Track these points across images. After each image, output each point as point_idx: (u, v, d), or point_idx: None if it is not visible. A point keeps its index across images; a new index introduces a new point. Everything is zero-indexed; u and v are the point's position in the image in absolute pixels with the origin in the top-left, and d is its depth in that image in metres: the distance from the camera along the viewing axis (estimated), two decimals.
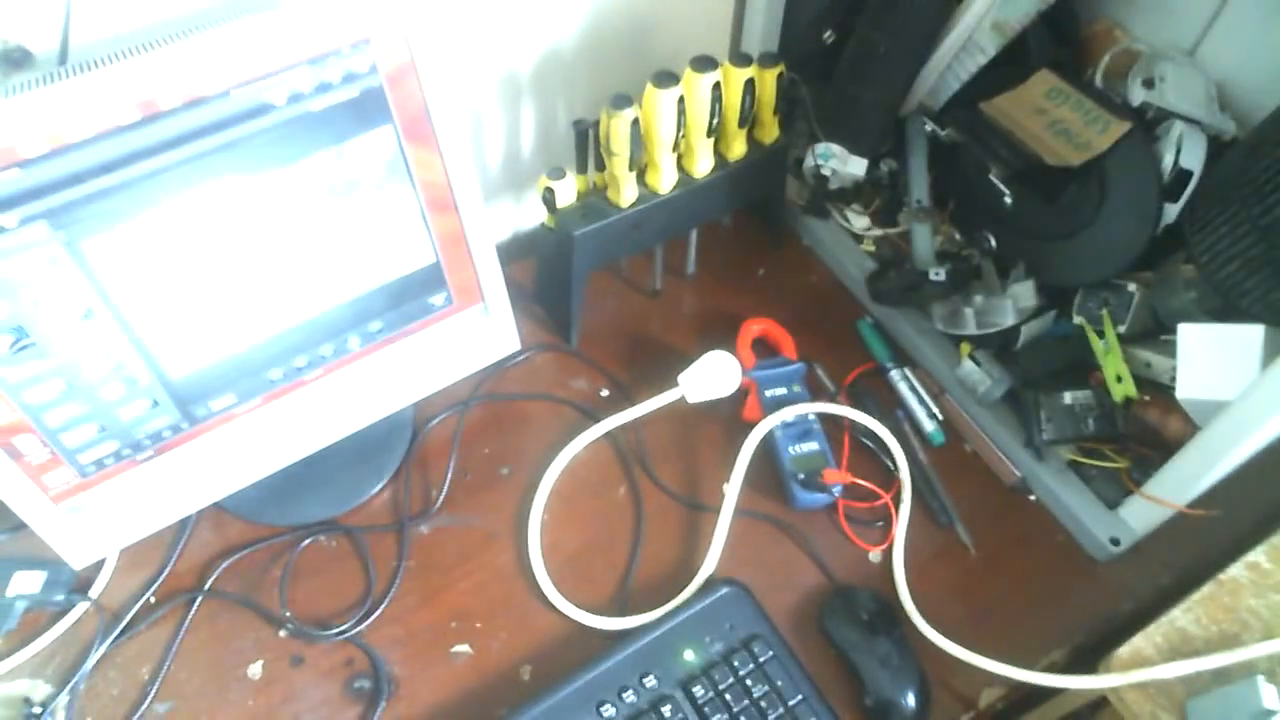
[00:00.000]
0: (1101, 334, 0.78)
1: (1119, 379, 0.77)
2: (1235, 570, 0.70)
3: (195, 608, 0.73)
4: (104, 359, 0.59)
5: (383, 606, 0.74)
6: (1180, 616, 0.68)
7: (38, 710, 0.67)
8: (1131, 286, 0.79)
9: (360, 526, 0.78)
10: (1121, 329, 0.78)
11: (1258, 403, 0.62)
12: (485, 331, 0.78)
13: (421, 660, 0.72)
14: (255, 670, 0.71)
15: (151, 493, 0.68)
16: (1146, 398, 0.76)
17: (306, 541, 0.77)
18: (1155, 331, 0.79)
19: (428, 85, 0.61)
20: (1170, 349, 0.73)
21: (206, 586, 0.74)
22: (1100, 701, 0.77)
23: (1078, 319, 0.81)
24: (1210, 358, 0.69)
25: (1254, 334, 0.67)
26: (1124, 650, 0.67)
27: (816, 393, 0.86)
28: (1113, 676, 0.66)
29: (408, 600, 0.74)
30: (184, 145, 0.54)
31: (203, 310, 0.61)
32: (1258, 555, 0.70)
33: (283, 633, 0.73)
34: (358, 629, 0.73)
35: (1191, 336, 0.70)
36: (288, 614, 0.73)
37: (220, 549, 0.77)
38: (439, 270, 0.71)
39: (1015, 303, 0.82)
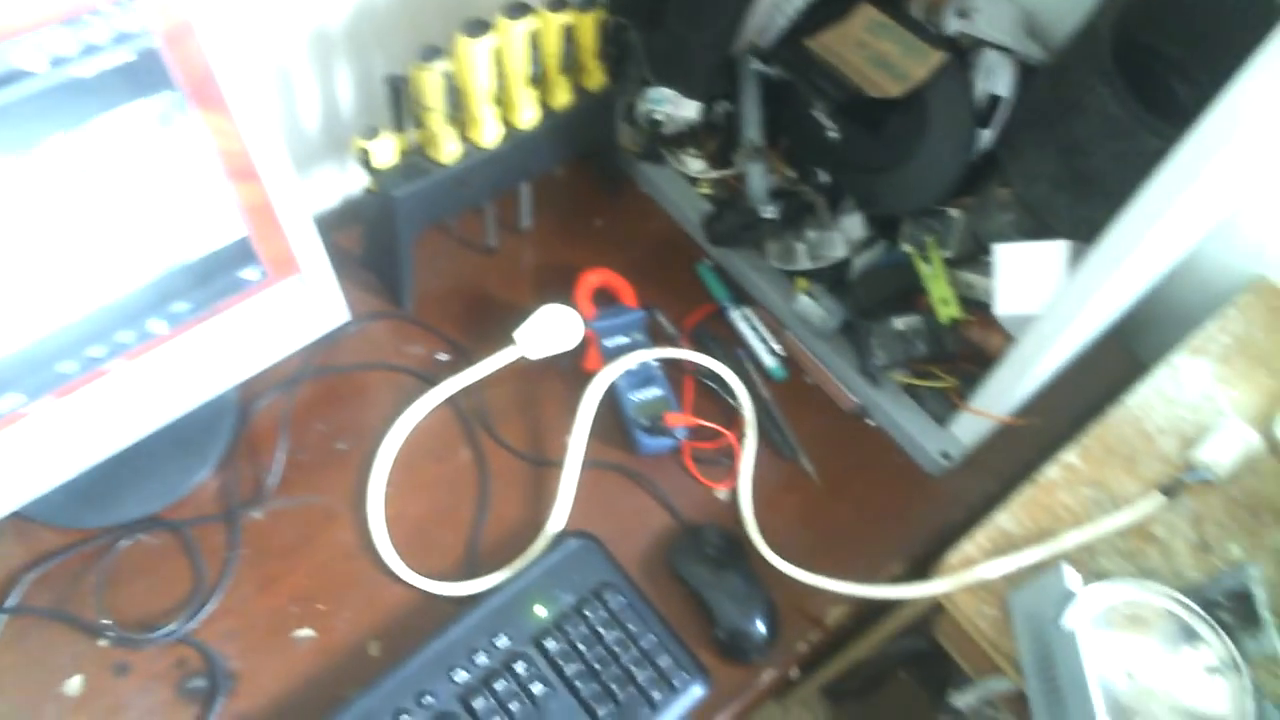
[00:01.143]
0: (928, 259, 0.80)
1: (945, 301, 0.79)
2: (1050, 471, 0.74)
3: None
4: None
5: (214, 600, 0.70)
6: (1002, 518, 0.72)
7: None
8: (953, 212, 0.80)
9: (186, 520, 0.73)
10: (946, 253, 0.80)
11: (1060, 313, 0.65)
12: (308, 304, 0.74)
13: (261, 651, 0.69)
14: (74, 685, 0.66)
15: None
16: (971, 317, 0.79)
17: (125, 542, 0.72)
18: (977, 254, 0.81)
19: (209, 44, 0.56)
20: (990, 270, 0.75)
21: (12, 603, 0.69)
22: (939, 605, 0.80)
23: (905, 247, 0.82)
24: (1023, 274, 0.72)
25: (1059, 248, 0.70)
26: (952, 556, 0.70)
27: (658, 339, 0.86)
28: (941, 582, 0.69)
29: (242, 590, 0.71)
30: None
31: None
32: (1070, 455, 0.75)
33: (103, 642, 0.68)
34: (187, 626, 0.69)
35: (1005, 256, 0.73)
36: (107, 621, 0.68)
37: (26, 560, 0.71)
38: (247, 243, 0.66)
39: (845, 235, 0.83)
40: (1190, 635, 0.59)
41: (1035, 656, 0.62)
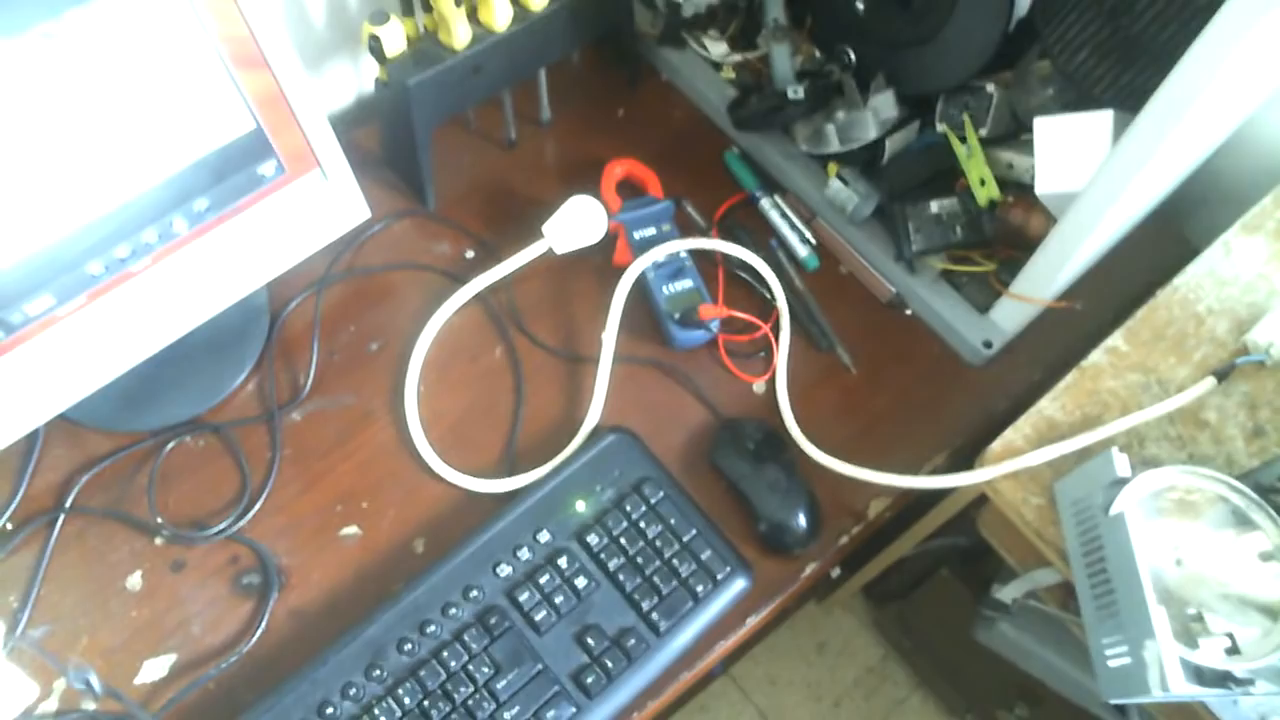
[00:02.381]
0: (964, 139, 0.78)
1: (982, 182, 0.77)
2: (1095, 356, 0.72)
3: (59, 527, 0.69)
4: None
5: (262, 499, 0.71)
6: (1047, 405, 0.70)
7: None
8: (990, 88, 0.77)
9: (227, 422, 0.74)
10: (983, 132, 0.77)
11: (1104, 190, 0.62)
12: (330, 201, 0.73)
13: (309, 548, 0.70)
14: (134, 581, 0.68)
15: None
16: (1010, 199, 0.77)
17: (171, 444, 0.73)
18: (1016, 132, 0.78)
19: None
20: (1031, 148, 0.72)
21: (68, 504, 0.70)
22: (984, 498, 0.80)
23: (940, 126, 0.79)
24: (1065, 150, 0.69)
25: (1104, 120, 0.67)
26: (996, 445, 0.69)
27: (687, 230, 0.84)
28: (985, 470, 0.68)
29: (288, 490, 0.72)
30: None
31: None
32: (1116, 340, 0.73)
33: (159, 540, 0.70)
34: (238, 525, 0.70)
35: (1046, 130, 0.70)
36: (160, 520, 0.70)
37: (78, 463, 0.72)
38: (262, 135, 0.64)
39: (876, 115, 0.80)
40: (1243, 521, 0.58)
41: (1083, 545, 0.62)
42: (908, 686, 1.50)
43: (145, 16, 0.54)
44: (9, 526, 0.69)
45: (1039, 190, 0.71)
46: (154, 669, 0.66)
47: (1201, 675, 0.53)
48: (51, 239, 0.58)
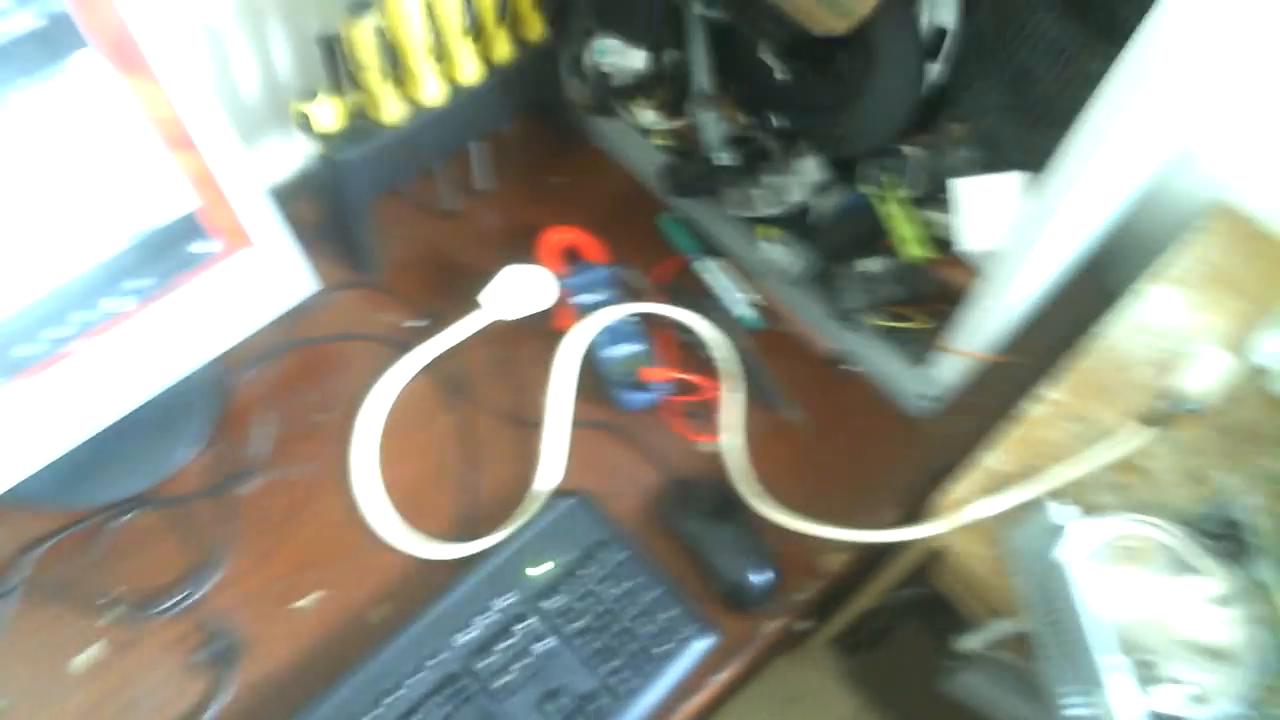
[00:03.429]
0: (887, 200, 0.81)
1: (907, 241, 0.80)
2: (1034, 407, 0.74)
3: (3, 607, 0.68)
4: None
5: (216, 574, 0.71)
6: (989, 457, 0.72)
7: None
8: (909, 150, 0.81)
9: (178, 496, 0.74)
10: (906, 193, 0.81)
11: (1021, 245, 0.65)
12: (270, 275, 0.73)
13: (265, 621, 0.69)
14: (81, 661, 0.67)
15: None
16: (939, 256, 0.80)
17: (122, 519, 0.73)
18: (937, 191, 0.82)
19: (124, 5, 0.54)
20: (951, 206, 0.76)
21: (13, 584, 0.69)
22: (937, 550, 0.82)
23: (863, 188, 0.83)
24: (981, 209, 0.72)
25: (1013, 180, 0.71)
26: (943, 498, 0.71)
27: (629, 293, 0.86)
28: (933, 525, 0.69)
29: (241, 563, 0.72)
30: None
31: None
32: (1050, 390, 0.75)
33: (106, 619, 0.69)
34: (190, 601, 0.70)
35: (962, 191, 0.73)
36: (110, 598, 0.69)
37: (23, 541, 0.71)
38: (194, 216, 0.65)
39: (800, 179, 0.83)
40: (1187, 567, 0.59)
41: (1035, 595, 0.62)
42: None
43: (75, 102, 0.55)
44: None
45: (959, 248, 0.74)
46: None
47: None
48: None
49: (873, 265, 0.81)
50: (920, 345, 0.82)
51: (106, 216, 0.60)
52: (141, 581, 0.70)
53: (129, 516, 0.72)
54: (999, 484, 0.71)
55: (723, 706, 1.45)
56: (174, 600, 0.69)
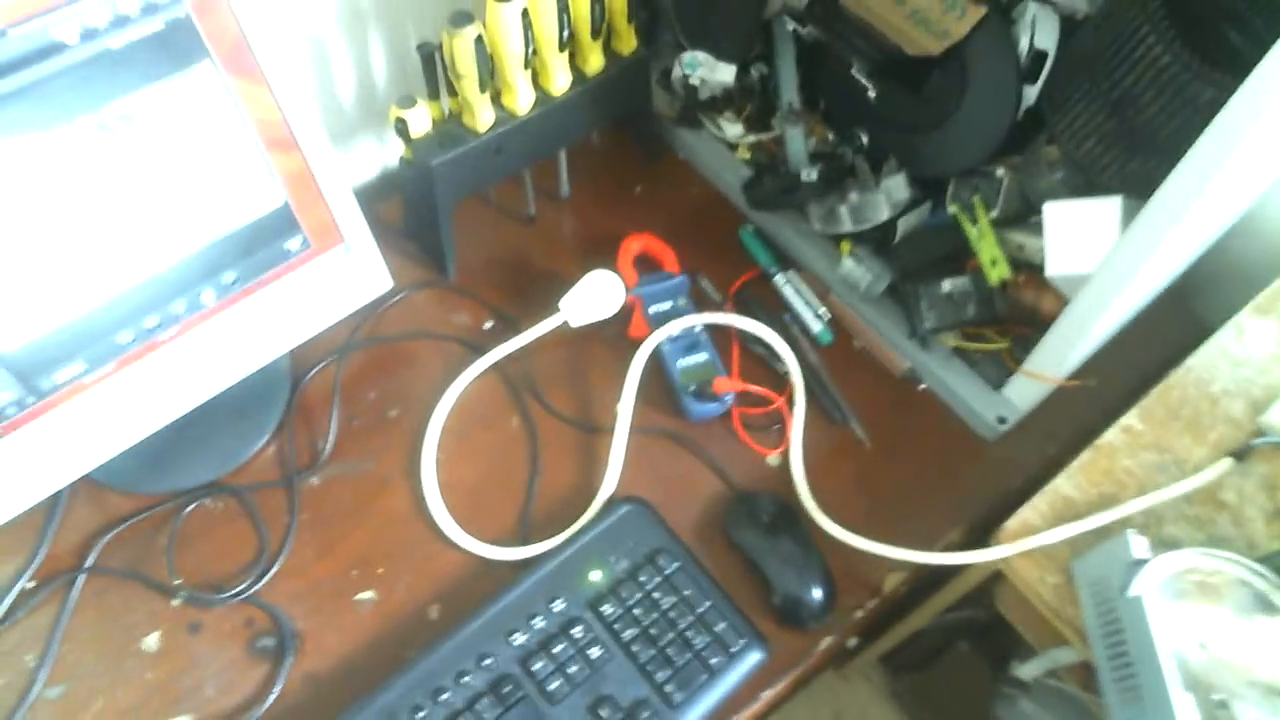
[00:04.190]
0: (975, 220, 0.79)
1: (993, 263, 0.78)
2: (1110, 434, 0.72)
3: (78, 587, 0.70)
4: None
5: (279, 563, 0.72)
6: (1063, 483, 0.71)
7: None
8: (1000, 172, 0.79)
9: (246, 485, 0.75)
10: (994, 214, 0.79)
11: (1116, 271, 0.64)
12: (352, 273, 0.75)
13: (325, 612, 0.70)
14: (151, 642, 0.69)
15: (7, 473, 0.64)
16: (1021, 279, 0.78)
17: (191, 507, 0.74)
18: (1026, 214, 0.80)
19: (242, 13, 0.56)
20: (1040, 230, 0.74)
21: (88, 564, 0.71)
22: (999, 574, 0.80)
23: (951, 208, 0.81)
24: (1074, 233, 0.71)
25: (1112, 206, 0.69)
26: (1012, 522, 0.69)
27: (702, 304, 0.85)
28: (1001, 549, 0.68)
29: (304, 554, 0.72)
30: None
31: (24, 276, 0.56)
32: (1130, 418, 0.73)
33: (176, 601, 0.70)
34: (255, 588, 0.71)
35: (1056, 215, 0.72)
36: (178, 582, 0.71)
37: (99, 524, 0.73)
38: (289, 212, 0.67)
39: (889, 197, 0.82)
40: (1267, 606, 0.57)
41: (1102, 626, 0.61)
42: None
43: (182, 103, 0.57)
44: (31, 585, 0.70)
45: (1049, 272, 0.72)
46: None
47: None
48: (85, 309, 0.60)
49: (955, 285, 0.80)
50: (996, 367, 0.81)
51: (209, 210, 0.63)
52: (208, 567, 0.72)
53: (199, 503, 0.74)
54: (1071, 510, 0.70)
55: (766, 718, 1.44)
56: (239, 588, 0.70)
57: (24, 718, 0.65)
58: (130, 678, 0.67)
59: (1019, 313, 0.79)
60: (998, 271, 0.78)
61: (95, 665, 0.68)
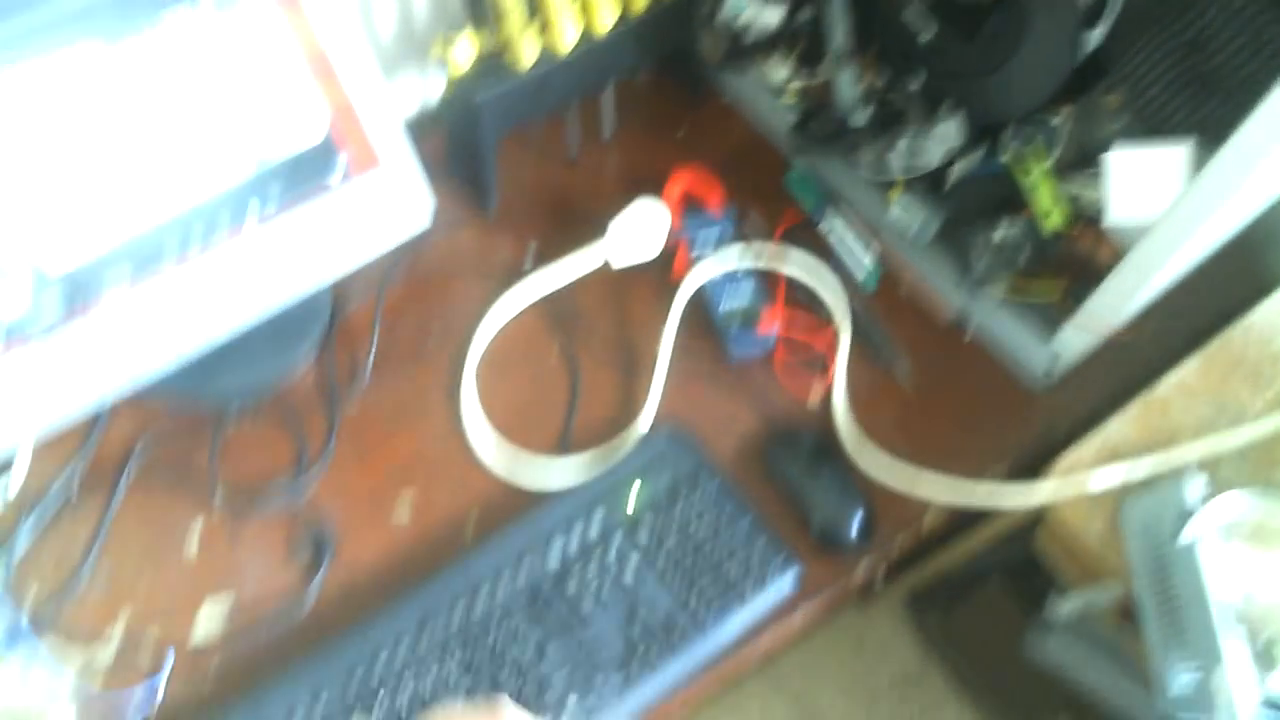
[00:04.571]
0: (1028, 168, 0.78)
1: (1047, 212, 0.77)
2: (1164, 386, 0.71)
3: (123, 488, 0.72)
4: None
5: (318, 475, 0.73)
6: (1115, 428, 0.70)
7: None
8: (1057, 119, 0.77)
9: (288, 400, 0.76)
10: (1049, 162, 0.77)
11: (1180, 220, 0.62)
12: (394, 205, 0.74)
13: (362, 525, 0.71)
14: (193, 542, 0.70)
15: (53, 379, 0.64)
16: (1076, 229, 0.77)
17: (234, 417, 0.75)
18: (1083, 163, 0.78)
19: None
20: (1097, 179, 0.72)
21: (131, 466, 0.72)
22: (1038, 519, 0.79)
23: (1006, 154, 0.80)
24: (1138, 181, 0.69)
25: (1179, 152, 0.67)
26: (1060, 462, 0.69)
27: (748, 244, 0.84)
28: (1049, 486, 0.67)
29: (344, 468, 0.74)
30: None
31: (68, 197, 0.56)
32: (1186, 371, 0.72)
33: (217, 504, 0.71)
34: (294, 495, 0.72)
35: (1119, 162, 0.70)
36: (220, 486, 0.72)
37: (143, 428, 0.75)
38: (330, 142, 0.66)
39: (941, 142, 0.80)
40: None
41: (1149, 568, 0.61)
42: (945, 692, 1.47)
43: (231, 27, 0.56)
44: (79, 480, 0.72)
45: (1109, 220, 0.70)
46: (208, 624, 0.67)
47: (1273, 704, 0.52)
48: (134, 225, 0.60)
49: (1007, 233, 0.78)
50: (1046, 316, 0.79)
51: (254, 134, 0.62)
52: (249, 474, 0.73)
53: (242, 414, 0.75)
54: (1120, 454, 0.69)
55: (790, 647, 1.46)
56: (278, 495, 0.72)
57: (74, 602, 0.67)
58: (172, 573, 0.69)
59: (1072, 263, 0.77)
60: (1052, 220, 0.77)
61: (139, 560, 0.69)
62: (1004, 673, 1.26)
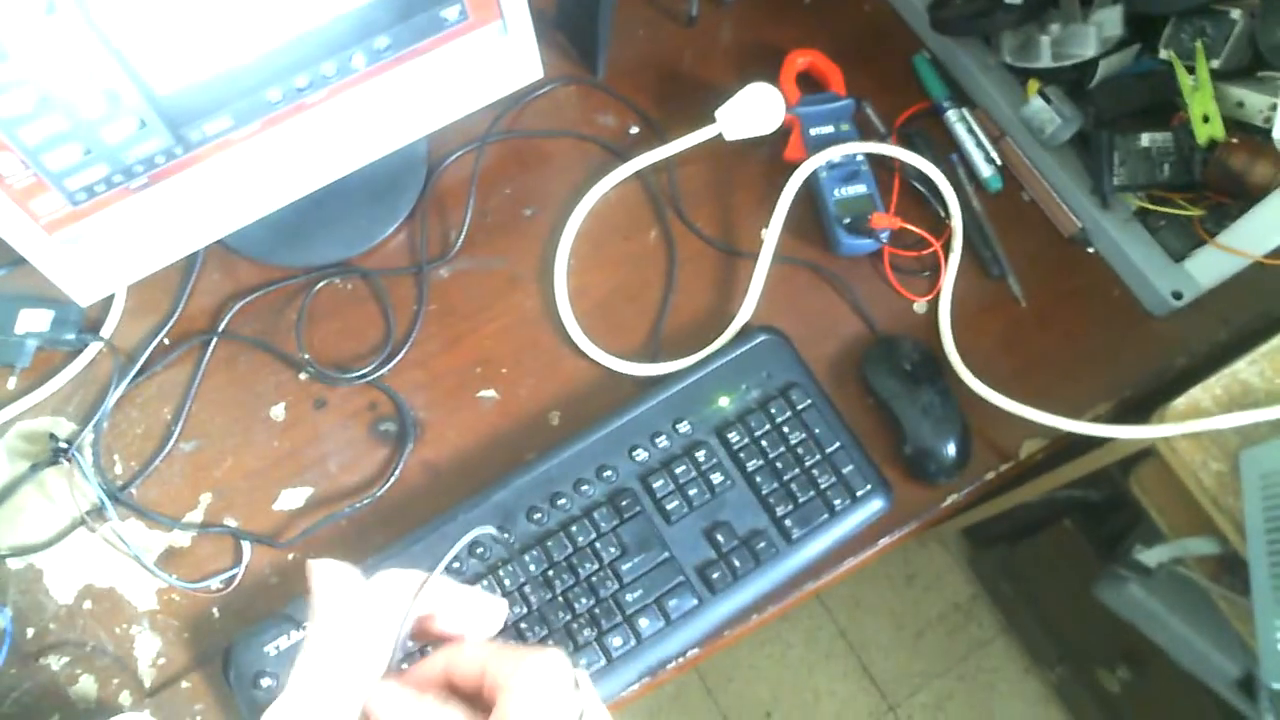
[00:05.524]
0: (1192, 69, 0.70)
1: (1206, 119, 0.70)
2: None
3: (211, 349, 0.71)
4: (77, 66, 0.52)
5: (404, 351, 0.71)
6: (1243, 368, 0.65)
7: (64, 446, 0.66)
8: (1235, 14, 0.69)
9: (376, 269, 0.74)
10: (1216, 63, 0.70)
11: None
12: (504, 55, 0.70)
13: (446, 405, 0.70)
14: (278, 412, 0.70)
15: (151, 225, 0.63)
16: (1234, 141, 0.69)
17: (321, 283, 0.73)
18: (1254, 67, 0.70)
19: None
20: (1269, 86, 0.65)
21: (221, 328, 0.71)
22: (1137, 456, 0.75)
23: (1165, 52, 0.72)
24: None
25: None
26: (1180, 401, 0.65)
27: (866, 132, 0.79)
28: (1166, 426, 0.63)
29: (429, 345, 0.72)
30: None
31: (183, 14, 0.53)
32: None
33: (303, 375, 0.71)
34: (379, 373, 0.70)
35: None
36: (306, 357, 0.71)
37: (232, 291, 0.73)
38: None
39: (1099, 31, 0.73)
40: None
41: (1267, 521, 0.57)
42: (994, 629, 1.48)
43: None
44: (166, 342, 0.71)
45: (1278, 134, 0.64)
46: (291, 499, 0.67)
47: None
48: (237, 61, 0.58)
49: (1155, 140, 0.72)
50: (1181, 237, 0.73)
51: None
52: (335, 346, 0.71)
53: (330, 281, 0.73)
54: (1248, 397, 0.64)
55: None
56: (364, 370, 0.70)
57: (161, 465, 0.67)
58: (257, 443, 0.69)
59: (1222, 179, 0.70)
60: (1209, 130, 0.69)
61: (226, 427, 0.69)
62: (1063, 616, 1.25)
